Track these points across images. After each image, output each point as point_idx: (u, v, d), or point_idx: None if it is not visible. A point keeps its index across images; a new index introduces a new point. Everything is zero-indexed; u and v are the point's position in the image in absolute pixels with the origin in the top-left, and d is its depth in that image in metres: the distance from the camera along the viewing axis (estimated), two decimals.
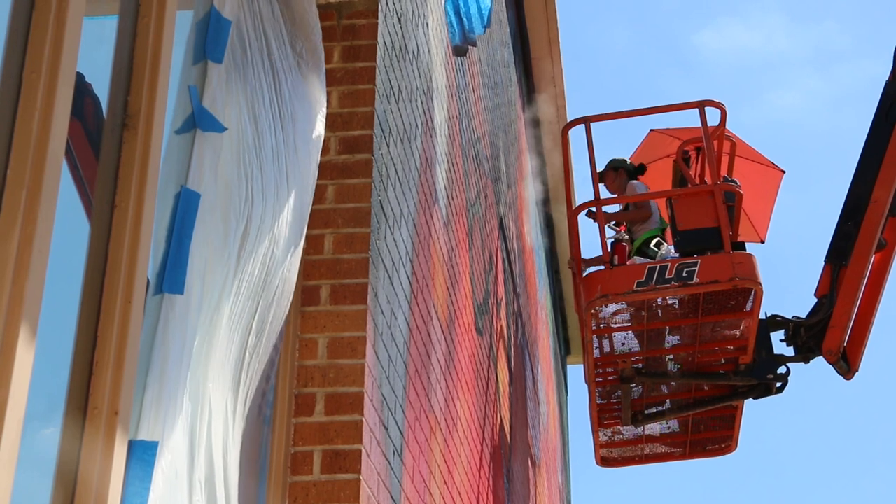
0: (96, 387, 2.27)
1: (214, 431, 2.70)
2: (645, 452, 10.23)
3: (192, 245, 2.54)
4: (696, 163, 9.45)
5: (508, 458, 8.06)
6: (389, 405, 3.92)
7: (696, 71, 56.50)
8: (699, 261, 7.69)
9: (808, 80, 56.13)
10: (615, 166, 9.04)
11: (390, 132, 4.18)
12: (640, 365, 8.73)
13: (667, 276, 7.64)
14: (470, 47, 6.22)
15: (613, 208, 8.96)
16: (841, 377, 8.73)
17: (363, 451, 3.44)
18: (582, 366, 9.16)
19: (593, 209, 8.25)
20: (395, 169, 4.25)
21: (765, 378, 8.64)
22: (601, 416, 9.44)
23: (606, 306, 8.05)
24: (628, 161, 9.33)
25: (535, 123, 12.48)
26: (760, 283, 7.70)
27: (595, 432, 9.65)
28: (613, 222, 8.84)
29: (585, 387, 9.05)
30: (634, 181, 9.12)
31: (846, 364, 8.61)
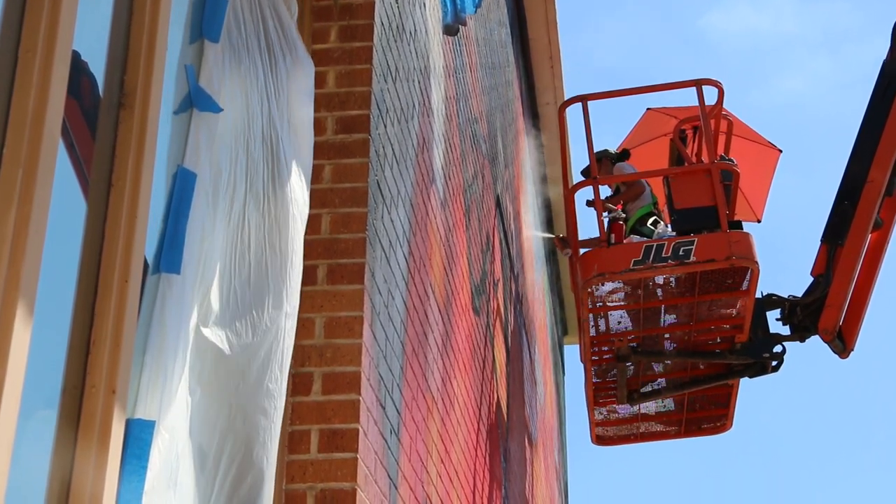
0: (94, 365, 2.27)
1: (209, 408, 2.70)
2: (640, 431, 10.26)
3: (188, 225, 2.54)
4: (693, 142, 9.46)
5: (505, 438, 8.08)
6: (387, 384, 3.93)
7: (703, 53, 56.24)
8: (696, 239, 7.70)
9: (816, 61, 55.89)
10: (598, 157, 9.04)
11: (387, 112, 4.17)
12: (635, 343, 8.76)
13: (663, 255, 7.65)
14: (461, 27, 6.21)
15: (607, 194, 9.00)
16: (836, 356, 8.76)
17: (360, 430, 3.45)
18: (578, 345, 9.18)
19: (591, 198, 8.29)
20: (393, 149, 4.25)
21: (760, 357, 8.67)
22: (597, 394, 9.46)
23: (603, 285, 8.07)
24: (611, 150, 9.38)
25: (533, 103, 12.46)
26: (757, 262, 7.72)
27: (591, 411, 9.68)
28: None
29: (582, 366, 9.07)
30: (621, 163, 9.17)
31: (842, 343, 8.63)
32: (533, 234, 11.47)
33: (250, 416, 2.80)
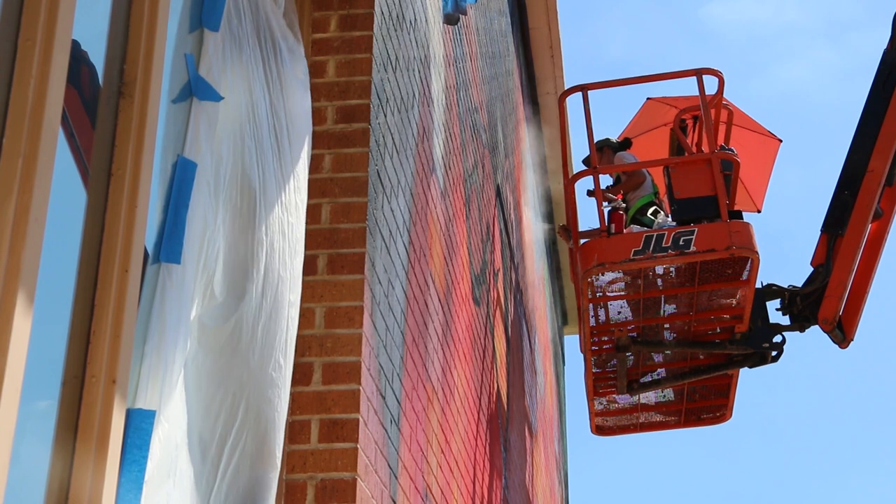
0: (94, 356, 2.27)
1: (213, 398, 2.70)
2: (640, 421, 10.27)
3: (188, 214, 2.54)
4: (694, 131, 9.45)
5: (505, 428, 8.09)
6: (387, 374, 3.93)
7: (704, 43, 56.08)
8: (696, 229, 7.70)
9: (818, 51, 55.73)
10: (599, 147, 9.03)
11: (387, 102, 4.17)
12: (635, 333, 8.76)
13: (664, 245, 7.65)
14: (461, 16, 6.19)
15: (608, 183, 8.99)
16: (836, 346, 8.76)
17: (360, 420, 3.45)
18: (578, 335, 9.19)
19: (592, 188, 8.30)
20: (393, 138, 4.24)
21: (760, 347, 8.66)
22: (597, 384, 9.46)
23: (603, 275, 8.06)
24: (612, 139, 9.37)
25: (533, 93, 12.44)
26: (757, 252, 7.72)
27: (591, 401, 9.69)
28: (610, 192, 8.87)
29: (581, 356, 9.07)
30: (622, 153, 9.16)
31: (841, 333, 8.63)
32: (535, 227, 11.45)
33: (254, 406, 2.80)
